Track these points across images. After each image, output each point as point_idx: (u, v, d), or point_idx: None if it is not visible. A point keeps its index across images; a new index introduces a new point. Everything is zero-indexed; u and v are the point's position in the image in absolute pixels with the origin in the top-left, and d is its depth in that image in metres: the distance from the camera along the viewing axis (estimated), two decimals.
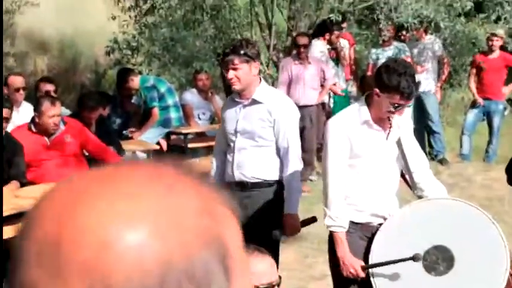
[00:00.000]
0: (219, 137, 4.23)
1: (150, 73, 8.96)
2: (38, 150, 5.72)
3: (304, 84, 7.81)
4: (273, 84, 8.87)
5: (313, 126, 7.98)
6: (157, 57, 8.94)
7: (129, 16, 8.87)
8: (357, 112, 3.48)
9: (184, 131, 7.88)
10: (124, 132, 7.70)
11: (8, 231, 4.62)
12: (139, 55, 9.03)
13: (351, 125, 3.46)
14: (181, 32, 8.69)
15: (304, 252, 6.02)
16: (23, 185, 5.41)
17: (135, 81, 7.93)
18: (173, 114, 8.15)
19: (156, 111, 7.97)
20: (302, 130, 7.89)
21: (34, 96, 7.07)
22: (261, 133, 3.92)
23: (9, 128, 5.68)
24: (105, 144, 6.19)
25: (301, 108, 7.78)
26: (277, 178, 3.95)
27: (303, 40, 7.81)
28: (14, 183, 5.37)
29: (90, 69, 12.58)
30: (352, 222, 3.50)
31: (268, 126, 3.91)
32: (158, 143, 7.88)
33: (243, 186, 3.97)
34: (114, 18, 8.98)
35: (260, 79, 4.01)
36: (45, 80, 7.47)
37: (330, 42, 8.48)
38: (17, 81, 6.89)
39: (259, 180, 3.95)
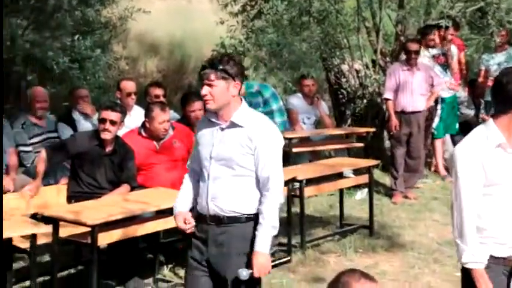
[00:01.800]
0: (193, 161, 3.70)
1: (257, 78, 9.04)
2: (147, 155, 5.88)
3: (411, 90, 7.67)
4: (378, 88, 8.81)
5: (420, 133, 7.84)
6: (264, 63, 8.99)
7: (237, 21, 8.97)
8: (487, 135, 3.15)
9: (288, 135, 7.88)
10: None
11: (118, 234, 4.79)
12: (246, 60, 9.11)
13: (483, 150, 3.13)
14: (288, 37, 8.70)
15: (410, 263, 5.90)
16: (133, 188, 5.58)
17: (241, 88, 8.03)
18: (278, 119, 8.19)
19: None
20: (409, 137, 7.80)
21: (144, 100, 7.28)
22: (240, 161, 3.44)
23: (122, 131, 5.86)
24: None
25: (408, 114, 7.74)
26: (256, 211, 3.48)
27: (413, 46, 7.66)
28: (125, 187, 5.55)
29: (197, 70, 12.81)
30: (491, 257, 3.19)
31: (248, 153, 3.44)
32: None
33: (218, 221, 3.49)
34: (222, 22, 9.09)
35: (241, 100, 3.54)
36: (154, 84, 7.66)
37: (427, 45, 8.26)
38: (128, 86, 7.11)
39: (237, 214, 3.48)
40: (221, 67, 3.42)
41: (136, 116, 6.82)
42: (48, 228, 4.48)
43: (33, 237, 4.30)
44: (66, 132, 6.68)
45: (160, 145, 5.94)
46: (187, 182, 3.68)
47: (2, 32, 5.74)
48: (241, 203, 3.47)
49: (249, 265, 3.43)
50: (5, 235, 4.23)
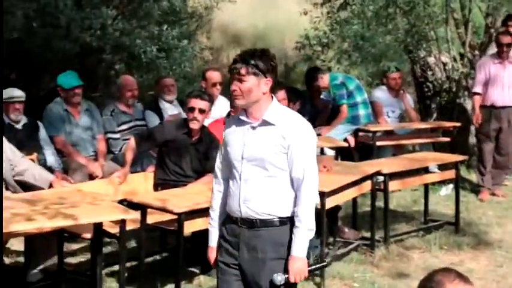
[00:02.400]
0: (221, 161, 3.47)
1: (339, 70, 8.97)
2: None
3: (502, 84, 7.46)
4: (466, 82, 8.58)
5: (510, 128, 7.62)
6: (348, 54, 8.90)
7: (321, 13, 8.90)
8: None
9: (372, 128, 7.80)
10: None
11: (202, 223, 4.83)
12: (329, 52, 9.05)
13: None
14: (372, 29, 8.58)
15: (497, 261, 5.75)
16: None
17: (325, 79, 8.01)
18: (362, 111, 8.10)
19: (345, 108, 7.98)
20: (498, 132, 7.58)
21: (228, 90, 7.31)
22: (273, 160, 3.26)
23: (207, 121, 5.91)
24: None
25: (498, 109, 7.53)
26: (291, 214, 3.31)
27: (505, 39, 7.46)
28: (210, 177, 5.54)
29: (280, 62, 12.76)
30: None
31: (281, 152, 3.26)
32: (346, 140, 7.87)
33: (250, 224, 3.32)
34: (305, 13, 9.05)
35: (272, 98, 3.33)
36: None
37: (510, 33, 7.99)
38: (214, 76, 7.18)
39: (271, 217, 3.30)
40: (253, 62, 3.23)
41: (220, 106, 6.88)
42: (136, 215, 4.56)
43: (122, 222, 4.38)
44: (153, 120, 6.79)
45: None
46: (217, 194, 3.49)
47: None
48: (275, 204, 3.30)
49: (285, 270, 3.30)
50: (96, 219, 4.33)
